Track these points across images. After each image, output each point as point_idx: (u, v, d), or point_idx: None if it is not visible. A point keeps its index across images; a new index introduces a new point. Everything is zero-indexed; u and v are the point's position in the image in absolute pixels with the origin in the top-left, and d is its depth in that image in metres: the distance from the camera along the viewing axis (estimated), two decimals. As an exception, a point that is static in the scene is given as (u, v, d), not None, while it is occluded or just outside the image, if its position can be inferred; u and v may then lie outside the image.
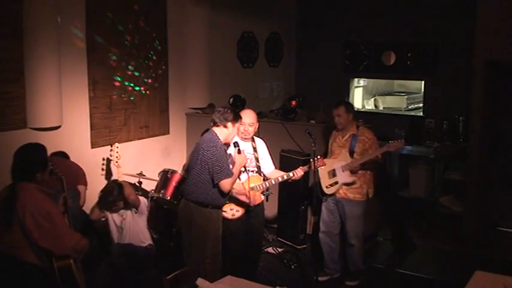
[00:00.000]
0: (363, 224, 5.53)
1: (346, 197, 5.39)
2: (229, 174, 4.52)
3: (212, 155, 4.47)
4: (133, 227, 5.17)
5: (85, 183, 5.63)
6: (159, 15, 7.01)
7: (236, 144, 4.68)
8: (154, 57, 6.97)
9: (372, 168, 5.42)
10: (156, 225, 5.62)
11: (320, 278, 5.44)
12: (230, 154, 4.73)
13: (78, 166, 5.69)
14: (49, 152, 5.39)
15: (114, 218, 5.22)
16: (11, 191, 3.55)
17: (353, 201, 5.39)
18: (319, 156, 5.04)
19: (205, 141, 4.58)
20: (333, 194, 5.43)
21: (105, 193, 5.15)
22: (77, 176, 5.58)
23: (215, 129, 4.63)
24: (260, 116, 6.75)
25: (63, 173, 5.06)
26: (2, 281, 3.58)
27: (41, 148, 3.78)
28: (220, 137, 4.59)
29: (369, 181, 5.42)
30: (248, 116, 4.97)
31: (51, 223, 3.52)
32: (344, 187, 5.36)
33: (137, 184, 6.05)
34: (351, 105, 5.62)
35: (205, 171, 4.52)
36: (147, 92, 6.91)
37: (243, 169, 4.94)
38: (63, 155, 5.64)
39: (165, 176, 6.02)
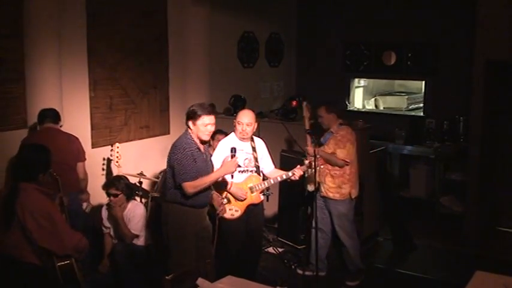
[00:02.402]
0: (352, 222, 5.53)
1: (327, 195, 5.45)
2: (190, 178, 4.34)
3: (176, 156, 4.37)
4: (130, 214, 5.21)
5: (84, 159, 5.37)
6: (159, 15, 7.01)
7: (233, 150, 4.53)
8: (154, 57, 6.97)
9: (342, 166, 5.39)
10: (156, 225, 5.62)
11: (298, 270, 5.68)
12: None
13: (75, 138, 5.38)
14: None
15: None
16: (11, 191, 3.55)
17: (335, 200, 5.44)
18: (318, 156, 5.04)
19: (175, 143, 4.51)
20: (316, 191, 5.46)
21: (114, 178, 5.28)
22: (77, 152, 5.32)
23: (188, 130, 4.50)
24: (260, 116, 6.77)
25: (62, 148, 5.00)
26: (3, 282, 3.58)
27: (45, 150, 3.80)
28: (194, 138, 4.43)
29: (349, 181, 5.41)
30: (246, 116, 4.95)
31: (52, 223, 3.53)
32: (325, 186, 5.42)
33: (137, 184, 6.06)
34: (332, 105, 5.65)
35: (171, 173, 4.47)
36: (148, 92, 6.91)
37: (243, 168, 4.94)
38: (54, 114, 5.23)
39: (166, 176, 6.02)
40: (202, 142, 4.47)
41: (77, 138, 5.39)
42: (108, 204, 5.26)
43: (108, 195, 5.19)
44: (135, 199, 5.39)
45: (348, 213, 5.49)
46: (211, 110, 4.44)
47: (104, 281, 5.18)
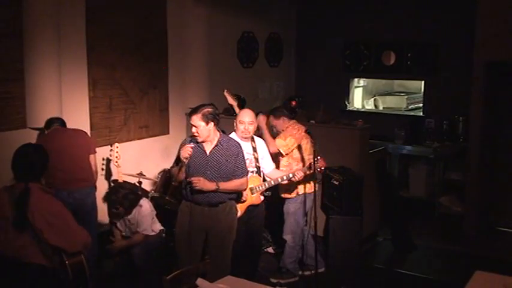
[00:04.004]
0: (297, 221, 5.54)
1: (283, 195, 5.55)
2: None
3: None
4: (138, 217, 5.20)
5: (95, 151, 5.43)
6: (159, 15, 7.01)
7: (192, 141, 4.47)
8: (154, 57, 6.97)
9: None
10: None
11: (272, 279, 5.58)
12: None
13: (82, 132, 5.49)
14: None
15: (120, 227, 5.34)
16: (20, 193, 3.52)
17: (285, 198, 5.53)
18: (319, 157, 5.03)
19: None
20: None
21: (110, 191, 5.23)
22: (87, 144, 5.38)
23: None
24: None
25: (71, 144, 5.15)
26: (11, 284, 3.57)
27: (43, 149, 3.80)
28: None
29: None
30: (248, 115, 4.96)
31: (63, 221, 3.53)
32: (279, 186, 5.44)
33: (137, 184, 6.05)
34: (278, 110, 5.78)
35: None
36: (147, 91, 6.91)
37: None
38: (60, 120, 5.38)
39: (165, 176, 6.02)
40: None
41: (84, 132, 5.50)
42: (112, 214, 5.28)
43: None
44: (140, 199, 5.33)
45: (295, 211, 5.51)
46: (190, 112, 4.43)
47: (108, 279, 5.20)
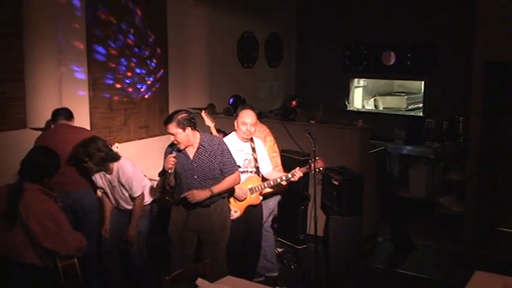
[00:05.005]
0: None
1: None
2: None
3: None
4: (124, 180, 4.90)
5: None
6: (159, 15, 7.01)
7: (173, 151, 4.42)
8: (154, 57, 6.98)
9: None
10: (156, 225, 5.62)
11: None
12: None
13: (87, 131, 5.38)
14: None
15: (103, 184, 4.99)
16: (14, 190, 3.55)
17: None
18: (317, 158, 5.03)
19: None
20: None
21: (82, 142, 4.74)
22: None
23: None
24: (260, 116, 6.75)
25: (74, 143, 4.89)
26: (4, 283, 3.58)
27: (55, 155, 3.81)
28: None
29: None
30: (250, 116, 4.94)
31: (56, 224, 3.54)
32: None
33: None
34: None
35: None
36: (147, 92, 6.91)
37: (243, 169, 4.93)
38: (66, 112, 5.26)
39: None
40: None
41: (88, 131, 5.44)
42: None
43: None
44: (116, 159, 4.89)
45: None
46: (165, 121, 4.39)
47: (109, 279, 5.19)
